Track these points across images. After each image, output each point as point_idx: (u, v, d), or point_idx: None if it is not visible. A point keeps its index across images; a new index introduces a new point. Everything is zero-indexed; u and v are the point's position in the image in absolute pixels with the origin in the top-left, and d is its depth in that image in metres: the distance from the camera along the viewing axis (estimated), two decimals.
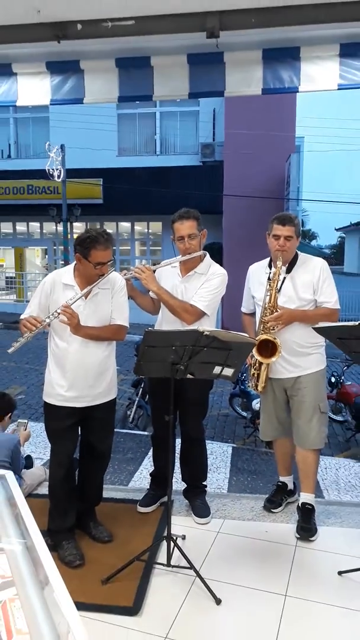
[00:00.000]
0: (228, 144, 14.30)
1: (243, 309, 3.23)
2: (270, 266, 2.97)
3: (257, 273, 3.05)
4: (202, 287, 2.91)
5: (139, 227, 17.50)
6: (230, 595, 2.37)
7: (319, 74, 3.47)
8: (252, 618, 2.27)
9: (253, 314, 3.12)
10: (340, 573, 2.52)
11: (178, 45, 3.21)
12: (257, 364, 2.94)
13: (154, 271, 2.96)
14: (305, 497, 2.99)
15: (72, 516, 2.75)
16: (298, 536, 2.87)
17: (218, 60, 3.46)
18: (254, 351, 2.80)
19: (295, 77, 3.50)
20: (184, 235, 2.89)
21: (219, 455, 5.71)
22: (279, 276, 2.85)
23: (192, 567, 2.44)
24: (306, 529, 2.89)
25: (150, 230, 17.45)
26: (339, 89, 3.45)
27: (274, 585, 2.45)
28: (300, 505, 2.99)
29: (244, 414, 6.90)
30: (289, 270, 2.90)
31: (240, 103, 12.61)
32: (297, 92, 3.58)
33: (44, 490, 3.21)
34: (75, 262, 2.66)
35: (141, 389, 6.16)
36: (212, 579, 2.44)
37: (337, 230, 30.64)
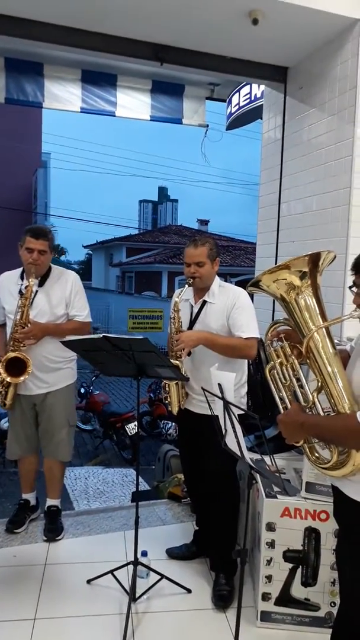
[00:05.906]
0: None
1: None
2: (22, 277, 2.85)
3: (8, 283, 2.88)
4: None
5: None
6: None
7: (62, 94, 3.58)
8: None
9: (3, 325, 2.95)
10: (89, 581, 2.57)
11: None
12: (4, 381, 2.79)
13: None
14: (51, 501, 3.06)
15: None
16: (45, 538, 2.91)
17: None
18: (3, 371, 2.67)
19: (40, 93, 3.53)
20: None
21: None
22: (31, 290, 2.72)
23: None
24: (52, 529, 2.95)
25: None
26: (81, 112, 3.61)
27: (22, 612, 2.35)
28: (46, 509, 3.04)
29: None
30: (41, 284, 2.82)
31: None
32: (42, 107, 3.61)
33: None
34: None
35: None
36: None
37: (84, 247, 31.70)
